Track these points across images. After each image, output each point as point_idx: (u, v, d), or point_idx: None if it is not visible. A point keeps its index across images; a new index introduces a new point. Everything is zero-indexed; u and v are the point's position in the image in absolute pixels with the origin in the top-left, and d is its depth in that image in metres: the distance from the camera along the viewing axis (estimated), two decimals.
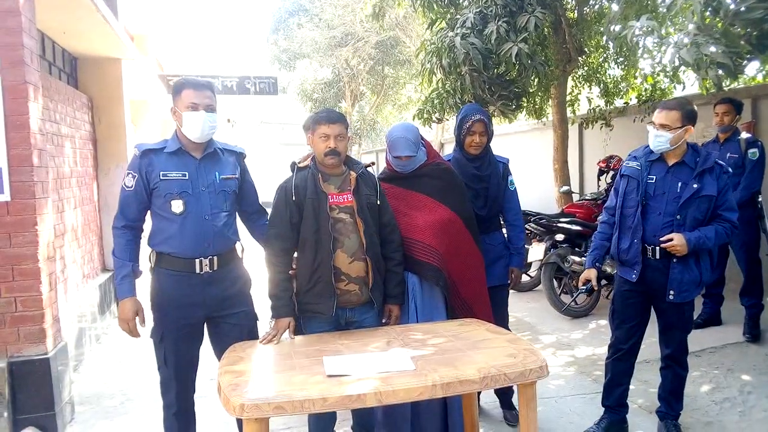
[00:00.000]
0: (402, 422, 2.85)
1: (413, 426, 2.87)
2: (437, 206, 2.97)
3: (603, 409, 3.29)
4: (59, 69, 5.66)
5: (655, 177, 2.98)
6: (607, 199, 3.57)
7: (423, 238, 2.91)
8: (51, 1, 4.28)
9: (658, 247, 2.96)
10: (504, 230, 3.55)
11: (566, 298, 5.66)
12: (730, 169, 3.02)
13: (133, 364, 4.74)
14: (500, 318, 3.23)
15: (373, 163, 3.00)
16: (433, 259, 2.89)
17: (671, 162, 2.97)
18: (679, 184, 2.93)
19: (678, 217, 2.91)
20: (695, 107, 2.99)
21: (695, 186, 2.89)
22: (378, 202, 2.77)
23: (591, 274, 3.15)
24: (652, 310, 3.18)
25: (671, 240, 2.88)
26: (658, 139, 2.91)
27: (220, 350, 2.63)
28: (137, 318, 2.63)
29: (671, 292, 2.98)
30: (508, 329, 3.18)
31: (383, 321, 2.84)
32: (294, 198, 2.66)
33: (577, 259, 5.47)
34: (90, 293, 5.42)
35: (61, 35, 5.38)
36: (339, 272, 2.65)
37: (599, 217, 3.35)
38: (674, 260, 2.94)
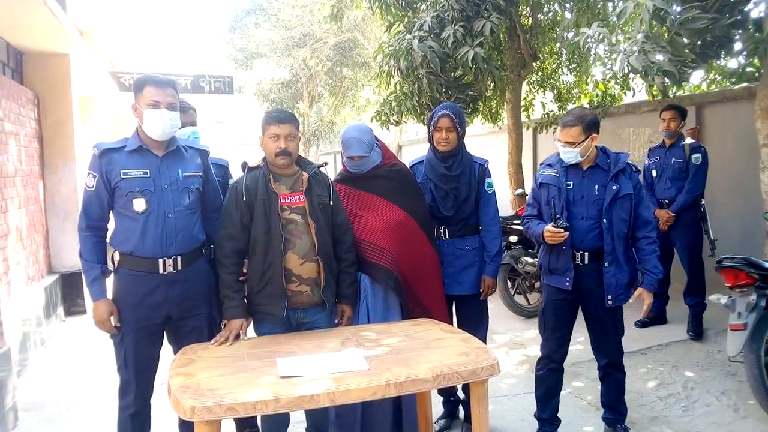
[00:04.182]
0: (353, 422, 2.85)
1: (364, 426, 2.87)
2: (390, 207, 2.98)
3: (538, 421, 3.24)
4: (3, 64, 5.45)
5: (572, 182, 3.00)
6: None
7: (374, 239, 2.91)
8: None
9: (586, 253, 2.97)
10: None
11: (520, 299, 5.77)
12: (639, 168, 3.09)
13: (79, 369, 4.60)
14: (474, 329, 3.03)
15: (326, 163, 2.98)
16: (383, 260, 2.89)
17: (585, 166, 3.01)
18: (596, 187, 2.97)
19: (604, 221, 2.93)
20: (595, 114, 3.01)
21: (614, 188, 2.94)
22: (331, 203, 2.77)
23: (548, 224, 2.93)
24: (580, 317, 3.16)
25: (644, 298, 2.99)
26: (568, 155, 2.95)
27: None
28: (112, 318, 2.58)
29: (609, 297, 2.96)
30: (484, 341, 3.07)
31: (336, 321, 2.84)
32: (245, 198, 2.63)
33: (530, 260, 5.57)
34: (35, 296, 5.23)
35: (5, 28, 5.18)
36: (290, 273, 2.63)
37: (524, 226, 3.23)
38: (606, 264, 2.95)
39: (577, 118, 2.91)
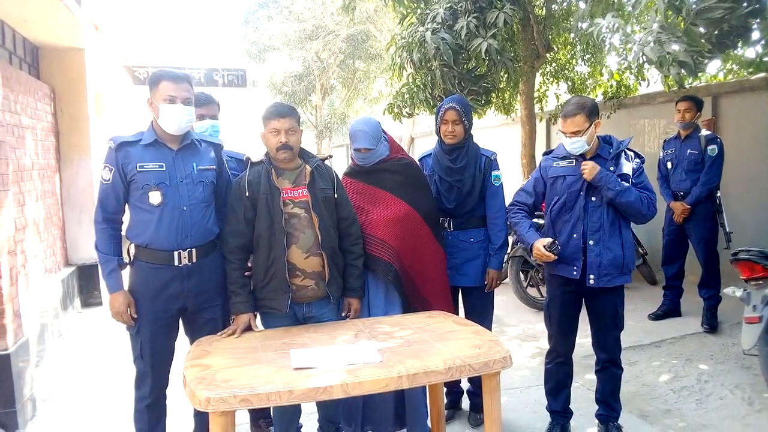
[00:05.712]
0: (356, 411, 2.91)
1: (365, 416, 2.93)
2: (394, 201, 2.99)
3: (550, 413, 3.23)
4: (20, 59, 5.51)
5: (578, 174, 2.96)
6: None
7: (376, 233, 2.92)
8: None
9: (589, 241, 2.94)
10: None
11: (533, 291, 5.76)
12: (642, 156, 3.04)
13: (96, 360, 4.66)
14: (479, 320, 2.98)
15: (331, 156, 2.99)
16: (383, 253, 2.90)
17: (588, 156, 2.96)
18: None
19: (593, 198, 2.90)
20: (593, 100, 2.94)
21: (612, 168, 2.90)
22: (335, 195, 2.76)
23: (544, 241, 2.91)
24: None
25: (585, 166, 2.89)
26: (575, 145, 2.90)
27: None
28: (129, 310, 2.61)
29: (591, 276, 2.91)
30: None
31: (342, 315, 2.84)
32: (247, 194, 2.65)
33: None
34: (52, 288, 5.31)
35: (22, 24, 5.23)
36: (294, 268, 2.64)
37: (512, 215, 3.18)
38: (591, 243, 2.90)
39: (579, 106, 2.87)
